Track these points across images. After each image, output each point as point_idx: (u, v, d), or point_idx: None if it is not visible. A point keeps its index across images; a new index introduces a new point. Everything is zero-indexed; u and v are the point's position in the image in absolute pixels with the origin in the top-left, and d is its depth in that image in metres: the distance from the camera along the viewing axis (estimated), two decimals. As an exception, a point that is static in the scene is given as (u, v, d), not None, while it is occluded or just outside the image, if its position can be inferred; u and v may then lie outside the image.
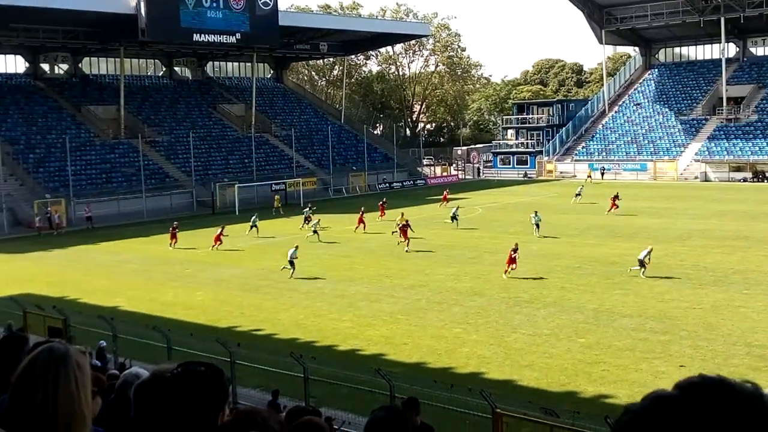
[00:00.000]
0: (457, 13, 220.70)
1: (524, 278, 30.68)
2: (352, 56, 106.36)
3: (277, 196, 58.89)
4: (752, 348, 20.62)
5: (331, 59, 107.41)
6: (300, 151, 75.80)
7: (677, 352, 20.59)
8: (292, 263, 32.40)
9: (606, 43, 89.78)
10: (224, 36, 65.48)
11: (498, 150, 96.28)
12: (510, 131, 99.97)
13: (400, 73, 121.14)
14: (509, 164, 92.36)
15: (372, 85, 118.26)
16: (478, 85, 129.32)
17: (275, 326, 24.84)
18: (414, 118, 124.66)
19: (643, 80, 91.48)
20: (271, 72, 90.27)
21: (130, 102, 70.05)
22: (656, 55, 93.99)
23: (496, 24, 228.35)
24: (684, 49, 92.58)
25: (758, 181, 69.11)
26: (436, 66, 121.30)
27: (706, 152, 75.53)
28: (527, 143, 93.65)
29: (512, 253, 30.72)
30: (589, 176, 74.38)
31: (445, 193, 58.92)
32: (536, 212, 42.20)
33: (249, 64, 79.78)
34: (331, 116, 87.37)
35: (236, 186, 60.88)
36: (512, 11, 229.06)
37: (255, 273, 34.15)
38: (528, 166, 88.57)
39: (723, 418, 1.05)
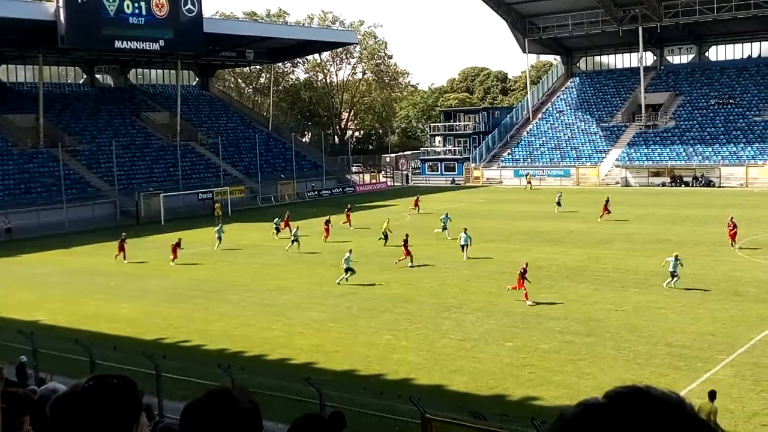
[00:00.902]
0: (383, 22, 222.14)
1: (454, 284, 31.00)
2: (279, 64, 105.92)
3: (217, 204, 57.63)
4: (672, 348, 21.26)
5: (258, 67, 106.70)
6: (227, 159, 74.98)
7: (601, 353, 21.10)
8: (350, 269, 31.99)
9: (529, 52, 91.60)
10: (147, 43, 64.32)
11: (426, 157, 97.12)
12: (438, 138, 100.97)
13: (328, 81, 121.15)
14: (437, 171, 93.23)
15: (300, 93, 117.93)
16: (405, 93, 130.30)
17: (204, 337, 24.47)
18: (342, 126, 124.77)
19: (566, 88, 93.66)
20: (197, 79, 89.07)
21: (49, 110, 68.13)
22: (577, 64, 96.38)
23: (423, 32, 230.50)
24: (604, 58, 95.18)
25: (676, 186, 71.43)
26: (364, 73, 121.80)
27: (627, 158, 77.73)
28: (454, 150, 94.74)
29: (522, 274, 27.26)
30: (529, 182, 75.60)
31: (415, 199, 58.74)
32: (447, 214, 44.12)
33: (173, 72, 78.61)
34: (258, 124, 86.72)
35: (161, 195, 59.77)
36: (438, 20, 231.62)
37: (185, 284, 33.59)
38: (456, 172, 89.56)
39: (647, 426, 1.10)
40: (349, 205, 52.94)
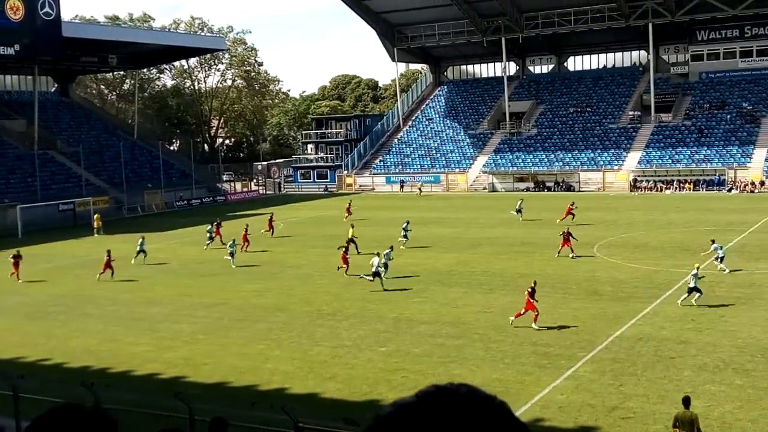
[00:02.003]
0: (252, 28, 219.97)
1: (328, 291, 30.99)
2: (144, 70, 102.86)
3: (97, 216, 54.54)
4: (537, 347, 22.06)
5: (122, 72, 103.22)
6: (90, 168, 72.02)
7: (471, 354, 21.63)
8: (386, 266, 31.45)
9: (399, 61, 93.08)
10: (1, 48, 60.92)
11: (298, 164, 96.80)
12: (310, 146, 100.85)
13: (196, 88, 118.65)
14: (310, 178, 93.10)
15: (167, 100, 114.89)
16: (276, 100, 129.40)
17: (65, 354, 23.34)
18: (212, 134, 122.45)
19: (434, 96, 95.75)
20: (56, 86, 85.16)
21: None
22: (445, 73, 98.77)
23: (293, 40, 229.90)
24: (470, 67, 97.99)
25: (539, 191, 74.33)
26: (234, 80, 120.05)
27: (493, 164, 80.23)
28: (327, 157, 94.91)
29: (529, 298, 24.37)
30: (420, 189, 76.45)
31: (348, 205, 57.49)
32: (407, 222, 42.32)
33: (30, 77, 74.78)
34: (123, 132, 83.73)
35: (18, 207, 56.68)
36: (309, 27, 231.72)
37: (44, 300, 31.95)
38: (328, 180, 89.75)
39: (452, 423, 1.14)
40: (272, 213, 51.03)
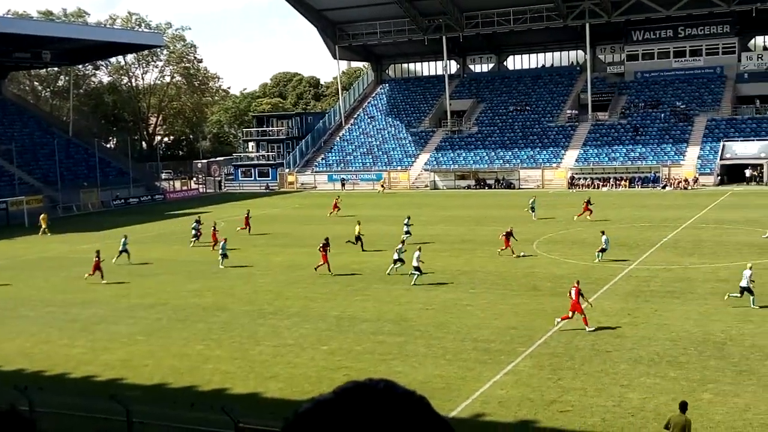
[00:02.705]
0: (192, 24, 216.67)
1: (269, 290, 30.78)
2: (79, 66, 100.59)
3: (43, 216, 52.75)
4: (478, 343, 22.28)
5: (56, 69, 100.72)
6: (23, 167, 70.15)
7: (412, 351, 21.73)
8: (401, 260, 31.68)
9: (340, 59, 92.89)
10: (-72, 41, 58.93)
11: (239, 163, 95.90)
12: (251, 144, 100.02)
13: (134, 84, 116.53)
14: (251, 177, 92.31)
15: (103, 97, 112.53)
16: (216, 98, 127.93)
17: (-2, 358, 22.68)
18: (150, 131, 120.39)
19: (376, 94, 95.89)
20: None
21: None
22: (387, 71, 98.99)
23: (234, 37, 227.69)
24: (412, 66, 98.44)
25: (480, 188, 75.08)
26: (172, 77, 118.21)
27: (435, 162, 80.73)
28: (268, 155, 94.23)
29: (578, 292, 23.36)
30: (382, 186, 76.32)
31: (335, 201, 56.74)
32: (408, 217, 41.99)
33: (-40, 73, 72.48)
34: (58, 129, 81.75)
35: (-52, 207, 54.92)
36: (249, 24, 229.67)
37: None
38: (270, 178, 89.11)
39: (369, 419, 1.16)
40: (248, 210, 50.20)
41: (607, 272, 31.37)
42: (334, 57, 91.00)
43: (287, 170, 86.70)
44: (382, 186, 76.64)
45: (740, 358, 19.89)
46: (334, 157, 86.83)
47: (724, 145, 69.55)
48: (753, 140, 69.06)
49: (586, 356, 20.54)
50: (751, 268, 25.37)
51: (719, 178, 67.74)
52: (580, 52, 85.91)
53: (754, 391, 17.54)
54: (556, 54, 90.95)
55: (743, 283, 24.87)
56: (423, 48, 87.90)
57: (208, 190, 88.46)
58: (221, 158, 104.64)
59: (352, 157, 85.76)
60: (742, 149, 68.85)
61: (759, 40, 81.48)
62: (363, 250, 38.52)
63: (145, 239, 43.38)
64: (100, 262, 33.76)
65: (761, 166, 66.75)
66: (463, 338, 22.79)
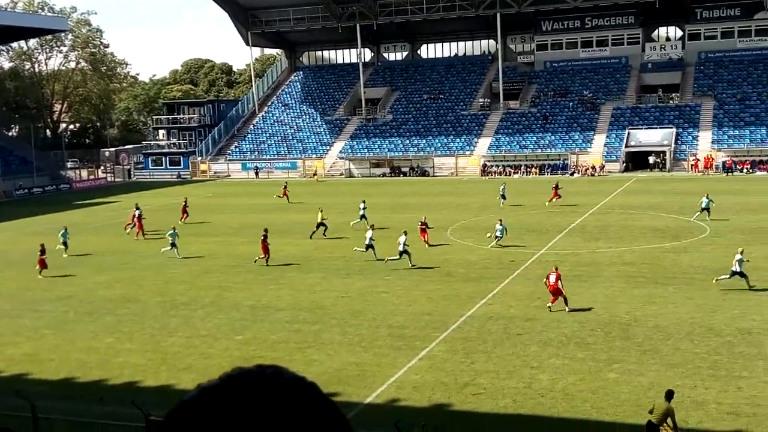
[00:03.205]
0: (98, 9, 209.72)
1: (182, 280, 30.23)
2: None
3: None
4: (393, 329, 22.45)
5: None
6: None
7: (328, 339, 21.73)
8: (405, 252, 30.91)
9: (253, 45, 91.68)
10: None
11: (149, 151, 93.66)
12: (161, 131, 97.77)
13: (37, 70, 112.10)
14: (162, 165, 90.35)
15: (4, 83, 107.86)
16: (125, 84, 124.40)
17: None
18: (55, 119, 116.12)
19: (290, 82, 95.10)
20: None
21: None
22: (301, 58, 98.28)
23: (142, 22, 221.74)
24: (326, 53, 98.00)
25: (395, 176, 75.49)
26: (78, 63, 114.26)
27: (350, 150, 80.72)
28: (180, 143, 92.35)
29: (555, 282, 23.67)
30: (316, 174, 75.53)
31: (283, 188, 56.20)
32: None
33: None
34: (-45, 116, 78.12)
35: None
36: (159, 10, 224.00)
37: None
38: (181, 166, 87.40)
39: (257, 403, 1.16)
40: (185, 199, 48.78)
41: (518, 257, 32.04)
42: (247, 44, 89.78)
43: (200, 159, 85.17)
44: (315, 173, 76.42)
45: (644, 338, 20.66)
46: (247, 146, 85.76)
47: (629, 133, 71.88)
48: (656, 128, 71.60)
49: (498, 340, 20.97)
50: (741, 253, 25.47)
51: (624, 165, 70.00)
52: (492, 42, 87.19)
53: (657, 369, 18.26)
54: (469, 43, 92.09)
55: (735, 268, 25.06)
56: (337, 35, 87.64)
57: (116, 179, 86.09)
58: (130, 146, 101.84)
59: (266, 146, 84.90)
60: (646, 137, 71.31)
61: (662, 31, 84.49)
62: (324, 236, 38.29)
63: (51, 231, 41.90)
64: (44, 256, 32.25)
65: (664, 153, 69.31)
66: (378, 325, 22.93)
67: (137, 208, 42.59)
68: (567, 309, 23.37)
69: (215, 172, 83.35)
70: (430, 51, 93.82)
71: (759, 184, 55.45)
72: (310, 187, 68.13)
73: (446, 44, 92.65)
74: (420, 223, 36.47)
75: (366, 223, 39.49)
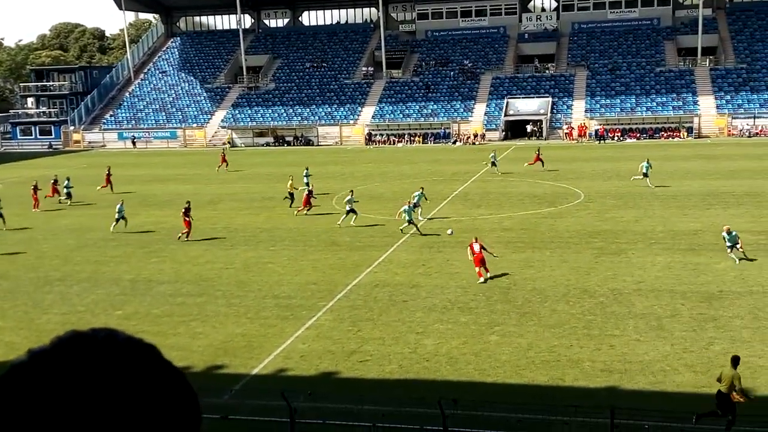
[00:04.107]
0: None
1: (55, 255, 28.99)
2: None
3: None
4: (279, 300, 22.35)
5: None
6: None
7: (213, 311, 21.40)
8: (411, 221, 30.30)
9: (126, 9, 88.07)
10: None
11: (17, 120, 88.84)
12: (30, 99, 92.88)
13: None
14: (31, 135, 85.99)
15: None
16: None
17: None
18: None
19: (167, 48, 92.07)
20: None
21: None
22: (178, 24, 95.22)
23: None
24: (204, 19, 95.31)
25: (279, 145, 74.69)
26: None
27: (232, 119, 79.18)
28: (50, 112, 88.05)
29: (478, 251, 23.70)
30: (227, 144, 73.21)
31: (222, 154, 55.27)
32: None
33: None
34: None
35: None
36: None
37: None
38: (53, 136, 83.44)
39: (89, 366, 1.13)
40: (109, 166, 47.16)
41: (403, 225, 32.37)
42: (120, 7, 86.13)
43: (72, 128, 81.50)
44: (227, 144, 73.39)
45: (523, 301, 21.40)
46: (124, 114, 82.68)
47: (507, 102, 73.70)
48: (533, 97, 73.71)
49: (384, 307, 21.22)
50: (729, 232, 25.06)
51: (503, 133, 71.82)
52: (374, 10, 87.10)
53: (536, 330, 18.97)
54: (351, 11, 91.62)
55: (728, 244, 24.94)
56: (215, 0, 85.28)
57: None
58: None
59: (143, 114, 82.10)
60: (524, 106, 73.33)
61: (538, 2, 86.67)
62: (290, 207, 37.07)
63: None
64: None
65: (540, 122, 71.52)
66: (264, 296, 22.77)
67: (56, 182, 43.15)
68: (484, 278, 23.42)
69: (89, 142, 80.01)
70: (312, 18, 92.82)
71: (628, 150, 58.10)
72: (203, 156, 66.44)
73: (328, 11, 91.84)
74: (304, 194, 36.33)
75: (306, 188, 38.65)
